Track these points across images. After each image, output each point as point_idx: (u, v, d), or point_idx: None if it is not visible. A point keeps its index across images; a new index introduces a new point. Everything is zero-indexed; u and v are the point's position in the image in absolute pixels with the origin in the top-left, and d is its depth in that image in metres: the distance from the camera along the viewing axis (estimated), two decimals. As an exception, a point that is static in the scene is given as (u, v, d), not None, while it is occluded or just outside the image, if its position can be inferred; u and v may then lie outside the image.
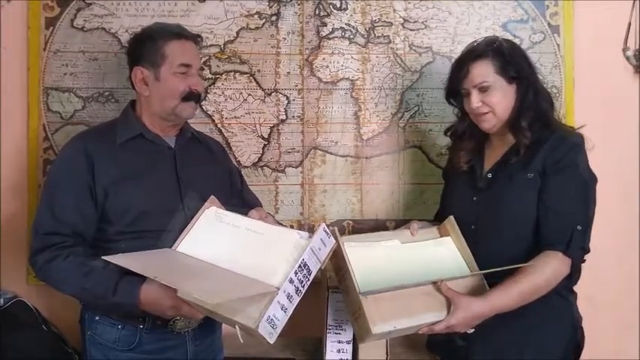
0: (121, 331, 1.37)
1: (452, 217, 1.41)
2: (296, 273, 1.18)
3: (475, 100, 1.41)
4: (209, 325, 1.47)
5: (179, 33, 1.45)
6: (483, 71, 1.40)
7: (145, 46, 1.44)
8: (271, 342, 1.14)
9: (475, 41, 1.47)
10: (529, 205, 1.36)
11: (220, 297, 1.10)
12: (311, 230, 1.29)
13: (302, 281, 1.19)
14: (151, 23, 1.53)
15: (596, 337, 1.55)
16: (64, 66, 1.81)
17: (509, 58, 1.40)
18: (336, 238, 1.29)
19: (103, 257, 1.25)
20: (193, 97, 1.44)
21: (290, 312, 1.17)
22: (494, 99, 1.40)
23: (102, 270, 1.28)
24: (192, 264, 1.28)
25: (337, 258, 1.32)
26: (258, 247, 1.27)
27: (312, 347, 1.73)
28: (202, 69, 1.53)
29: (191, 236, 1.36)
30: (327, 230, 1.26)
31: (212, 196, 1.40)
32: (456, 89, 1.47)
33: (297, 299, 1.19)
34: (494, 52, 1.41)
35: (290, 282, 1.17)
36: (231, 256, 1.27)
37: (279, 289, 1.15)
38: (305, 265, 1.19)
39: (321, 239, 1.24)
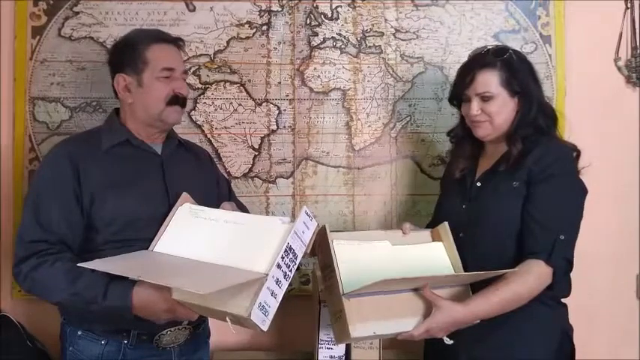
0: (105, 347, 1.34)
1: (446, 223, 1.40)
2: (282, 258, 1.17)
3: (475, 108, 1.41)
4: (196, 340, 1.45)
5: (159, 37, 1.44)
6: (488, 81, 1.40)
7: (126, 53, 1.42)
8: (264, 329, 1.13)
9: (485, 47, 1.46)
10: (514, 215, 1.36)
11: (212, 287, 1.08)
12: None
13: (289, 266, 1.19)
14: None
15: (594, 345, 1.55)
16: (50, 75, 1.78)
17: (516, 72, 1.40)
18: (325, 233, 1.29)
19: (79, 264, 1.22)
20: (178, 101, 1.43)
21: (280, 298, 1.17)
22: (494, 109, 1.40)
23: (91, 274, 1.24)
24: (175, 262, 1.26)
25: (324, 255, 1.31)
26: (241, 238, 1.26)
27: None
28: (186, 72, 1.51)
29: (167, 235, 1.33)
30: (309, 213, 1.26)
31: (184, 193, 1.38)
32: (459, 93, 1.47)
33: (285, 284, 1.18)
34: (503, 64, 1.40)
35: (278, 267, 1.16)
36: (213, 250, 1.26)
37: (267, 275, 1.14)
38: (290, 249, 1.19)
39: (303, 222, 1.24)
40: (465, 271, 1.36)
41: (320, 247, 1.34)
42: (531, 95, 1.41)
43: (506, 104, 1.40)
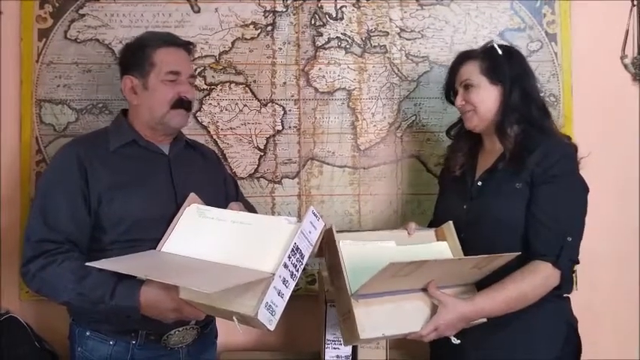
0: (113, 348, 1.34)
1: (450, 223, 1.40)
2: (289, 257, 1.18)
3: (459, 98, 1.47)
4: (203, 340, 1.45)
5: (168, 40, 1.44)
6: (469, 70, 1.45)
7: (135, 55, 1.43)
8: (271, 329, 1.13)
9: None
10: (517, 216, 1.36)
11: (218, 285, 1.09)
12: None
13: (296, 265, 1.20)
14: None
15: (596, 344, 1.55)
16: (57, 78, 1.79)
17: (497, 61, 1.43)
18: (332, 234, 1.29)
19: (87, 264, 1.22)
20: (183, 104, 1.43)
21: (287, 297, 1.17)
22: (476, 98, 1.43)
23: (99, 273, 1.24)
24: (182, 261, 1.27)
25: (331, 256, 1.31)
26: (248, 238, 1.26)
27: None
28: (194, 77, 1.51)
29: (175, 235, 1.34)
30: (316, 213, 1.27)
31: (192, 194, 1.38)
32: (449, 88, 1.52)
33: (292, 284, 1.19)
34: (484, 54, 1.45)
35: (284, 267, 1.17)
36: (220, 249, 1.26)
37: (273, 274, 1.15)
38: (297, 248, 1.20)
39: (310, 222, 1.25)
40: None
41: (327, 247, 1.34)
42: (514, 83, 1.42)
43: (489, 92, 1.43)
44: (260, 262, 1.19)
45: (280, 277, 1.15)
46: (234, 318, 1.15)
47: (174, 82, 1.41)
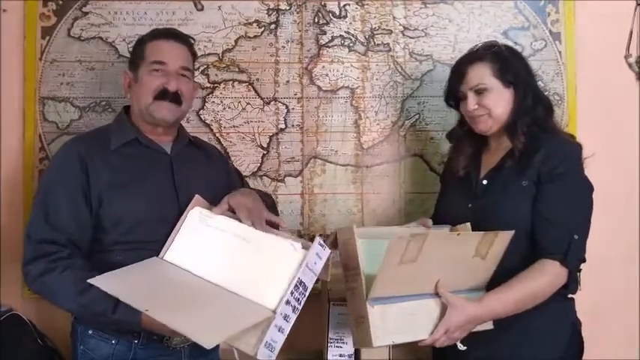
0: (115, 347, 1.34)
1: (468, 224, 1.39)
2: (292, 293, 1.15)
3: (472, 103, 1.42)
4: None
5: (158, 34, 1.45)
6: (480, 74, 1.41)
7: (134, 51, 1.46)
8: None
9: (475, 45, 1.49)
10: (523, 214, 1.35)
11: (217, 337, 1.08)
12: (312, 240, 1.27)
13: (298, 299, 1.17)
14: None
15: (599, 345, 1.54)
16: (60, 75, 1.79)
17: (507, 62, 1.41)
18: (352, 236, 1.26)
19: (89, 280, 1.21)
20: (168, 95, 1.40)
21: (287, 331, 1.15)
22: (491, 101, 1.40)
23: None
24: (183, 284, 1.24)
25: (348, 256, 1.29)
26: (250, 261, 1.24)
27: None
28: (188, 70, 1.47)
29: (178, 243, 1.32)
30: (322, 243, 1.23)
31: (197, 196, 1.37)
32: (454, 92, 1.48)
33: (294, 317, 1.16)
34: (492, 56, 1.42)
35: (287, 303, 1.14)
36: (221, 269, 1.24)
37: (275, 312, 1.12)
38: (301, 282, 1.17)
39: (316, 253, 1.20)
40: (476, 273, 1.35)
41: (343, 246, 1.31)
42: (526, 84, 1.41)
43: (502, 95, 1.41)
44: (262, 295, 1.16)
45: (282, 314, 1.13)
46: (234, 349, 1.14)
47: (158, 72, 1.40)
